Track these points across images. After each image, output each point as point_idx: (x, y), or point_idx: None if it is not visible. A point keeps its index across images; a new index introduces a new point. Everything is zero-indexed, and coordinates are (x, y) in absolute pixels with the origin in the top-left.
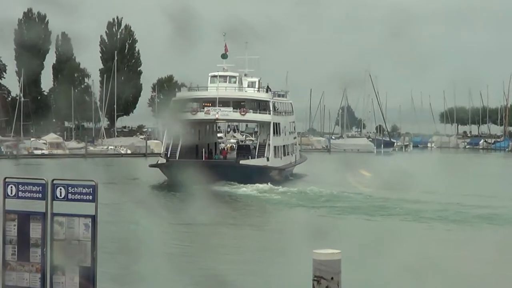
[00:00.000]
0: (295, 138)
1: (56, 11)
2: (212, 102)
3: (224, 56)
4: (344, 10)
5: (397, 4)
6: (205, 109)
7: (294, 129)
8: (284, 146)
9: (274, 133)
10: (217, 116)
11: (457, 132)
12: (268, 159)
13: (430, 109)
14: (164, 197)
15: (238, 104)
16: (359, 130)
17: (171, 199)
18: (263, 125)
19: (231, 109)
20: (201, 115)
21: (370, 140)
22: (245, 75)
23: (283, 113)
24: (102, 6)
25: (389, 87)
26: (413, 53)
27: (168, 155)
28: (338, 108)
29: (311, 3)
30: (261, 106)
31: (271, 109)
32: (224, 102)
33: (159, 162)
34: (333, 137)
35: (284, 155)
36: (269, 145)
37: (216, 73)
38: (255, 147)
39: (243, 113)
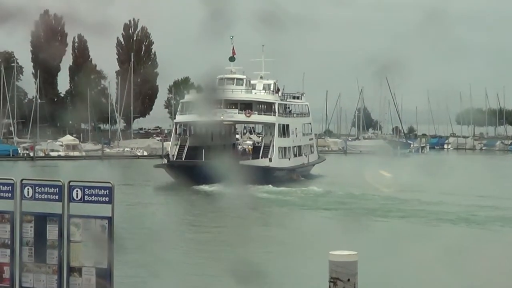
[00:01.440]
0: (311, 139)
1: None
2: (220, 104)
3: (231, 59)
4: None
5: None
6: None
7: (311, 131)
8: (295, 147)
9: (280, 134)
10: (222, 117)
11: (474, 133)
12: (270, 160)
13: (446, 110)
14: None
15: (247, 106)
16: (376, 131)
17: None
18: (269, 126)
19: (236, 111)
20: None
21: (386, 142)
22: (261, 77)
23: (295, 115)
24: (119, 6)
25: (405, 87)
26: (444, 43)
27: (175, 156)
28: (354, 110)
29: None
30: (268, 107)
31: (276, 110)
32: (233, 104)
33: (162, 163)
34: (349, 139)
35: (296, 156)
36: (273, 146)
37: (223, 76)
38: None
39: (248, 115)
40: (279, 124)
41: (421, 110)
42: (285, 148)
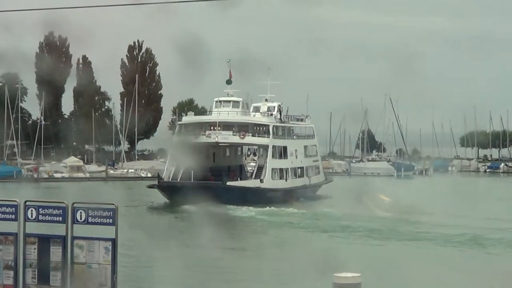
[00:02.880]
0: (316, 161)
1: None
2: (216, 126)
3: (228, 82)
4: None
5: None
6: (207, 132)
7: (316, 153)
8: (295, 168)
9: (275, 156)
10: (217, 139)
11: (478, 155)
12: (261, 181)
13: (450, 132)
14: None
15: (243, 128)
16: (379, 153)
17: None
18: (264, 148)
19: (231, 132)
20: (203, 139)
21: (390, 164)
22: (266, 100)
23: (295, 137)
24: (123, 29)
25: (409, 111)
26: (424, 87)
27: (170, 177)
28: (358, 132)
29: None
30: (264, 130)
31: (271, 132)
32: (228, 126)
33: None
34: (353, 161)
35: (296, 177)
36: (266, 167)
37: (221, 98)
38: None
39: (242, 137)
40: (273, 146)
41: (425, 132)
42: (281, 169)
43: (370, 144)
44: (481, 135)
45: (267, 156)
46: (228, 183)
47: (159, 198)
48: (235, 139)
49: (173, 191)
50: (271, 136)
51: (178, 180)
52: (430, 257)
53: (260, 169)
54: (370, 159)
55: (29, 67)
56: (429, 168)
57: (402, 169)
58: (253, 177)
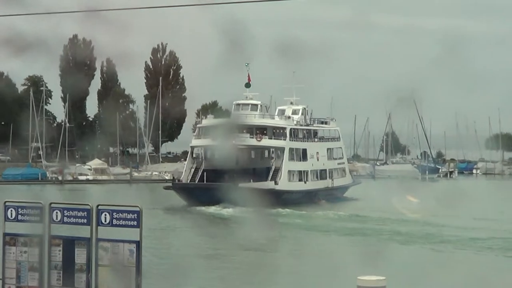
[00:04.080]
0: (341, 163)
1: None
2: (236, 129)
3: (247, 85)
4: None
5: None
6: None
7: (343, 155)
8: (317, 170)
9: (292, 158)
10: (234, 142)
11: (503, 158)
12: (276, 183)
13: (475, 135)
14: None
15: (261, 130)
16: (404, 156)
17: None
18: (281, 150)
19: (248, 135)
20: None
21: (414, 167)
22: (291, 103)
23: (316, 139)
24: (147, 31)
25: (435, 111)
26: (464, 74)
27: (189, 179)
28: (382, 134)
29: (358, 25)
30: (282, 132)
31: (287, 135)
32: (249, 129)
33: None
34: (377, 163)
35: (318, 179)
36: (282, 169)
37: (240, 101)
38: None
39: (259, 139)
40: (291, 148)
41: (449, 135)
42: (301, 171)
43: (395, 146)
44: (506, 137)
45: (282, 158)
46: (240, 184)
47: (178, 200)
48: (252, 141)
49: (186, 193)
50: (287, 138)
51: (196, 182)
52: (457, 261)
53: (276, 171)
54: (394, 161)
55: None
56: (454, 171)
57: (427, 172)
58: (269, 179)
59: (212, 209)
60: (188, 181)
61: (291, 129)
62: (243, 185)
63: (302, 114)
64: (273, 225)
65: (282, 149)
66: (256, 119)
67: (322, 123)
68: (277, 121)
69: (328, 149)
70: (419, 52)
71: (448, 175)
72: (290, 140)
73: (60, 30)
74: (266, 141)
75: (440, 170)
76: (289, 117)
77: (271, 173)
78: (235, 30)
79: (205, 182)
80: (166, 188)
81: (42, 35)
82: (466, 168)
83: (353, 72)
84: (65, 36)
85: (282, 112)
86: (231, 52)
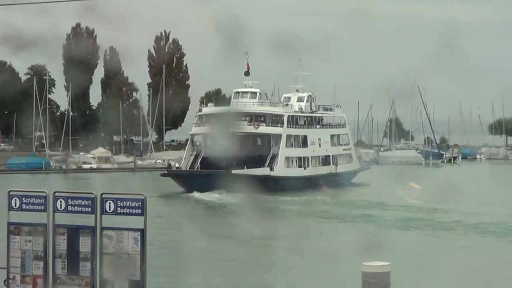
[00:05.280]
0: (347, 149)
1: (104, 26)
2: (235, 116)
3: (246, 73)
4: (395, 22)
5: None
6: None
7: (349, 141)
8: (318, 157)
9: (289, 144)
10: (231, 129)
11: (506, 143)
12: (272, 169)
13: (479, 120)
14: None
15: (260, 118)
16: (408, 142)
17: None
18: (278, 137)
19: (245, 122)
20: None
21: (418, 152)
22: (297, 90)
23: (318, 126)
24: (150, 20)
25: (437, 98)
26: (464, 65)
27: (188, 166)
28: (386, 121)
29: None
30: (280, 119)
31: (285, 122)
32: (247, 116)
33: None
34: (381, 149)
35: (320, 165)
36: (279, 155)
37: (239, 89)
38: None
39: (256, 126)
40: (289, 135)
41: (453, 121)
42: (300, 158)
43: (398, 132)
44: (509, 122)
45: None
46: (234, 171)
47: (176, 187)
48: (250, 128)
49: (180, 180)
50: (284, 125)
51: (196, 169)
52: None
53: (274, 157)
54: (398, 147)
55: (57, 56)
56: (458, 156)
57: (431, 158)
58: (266, 165)
59: (205, 195)
60: (188, 168)
61: (289, 116)
62: (237, 172)
63: (307, 101)
64: (268, 211)
65: (279, 136)
66: (255, 107)
67: (327, 110)
68: (275, 109)
69: (332, 135)
70: (421, 40)
71: (452, 160)
72: (288, 127)
73: (59, 26)
74: (263, 128)
75: (444, 155)
76: (287, 105)
77: (268, 160)
78: (233, 26)
79: (203, 169)
80: (163, 175)
81: (41, 33)
82: (470, 153)
83: (356, 61)
84: (64, 32)
85: (287, 99)
86: (230, 47)
